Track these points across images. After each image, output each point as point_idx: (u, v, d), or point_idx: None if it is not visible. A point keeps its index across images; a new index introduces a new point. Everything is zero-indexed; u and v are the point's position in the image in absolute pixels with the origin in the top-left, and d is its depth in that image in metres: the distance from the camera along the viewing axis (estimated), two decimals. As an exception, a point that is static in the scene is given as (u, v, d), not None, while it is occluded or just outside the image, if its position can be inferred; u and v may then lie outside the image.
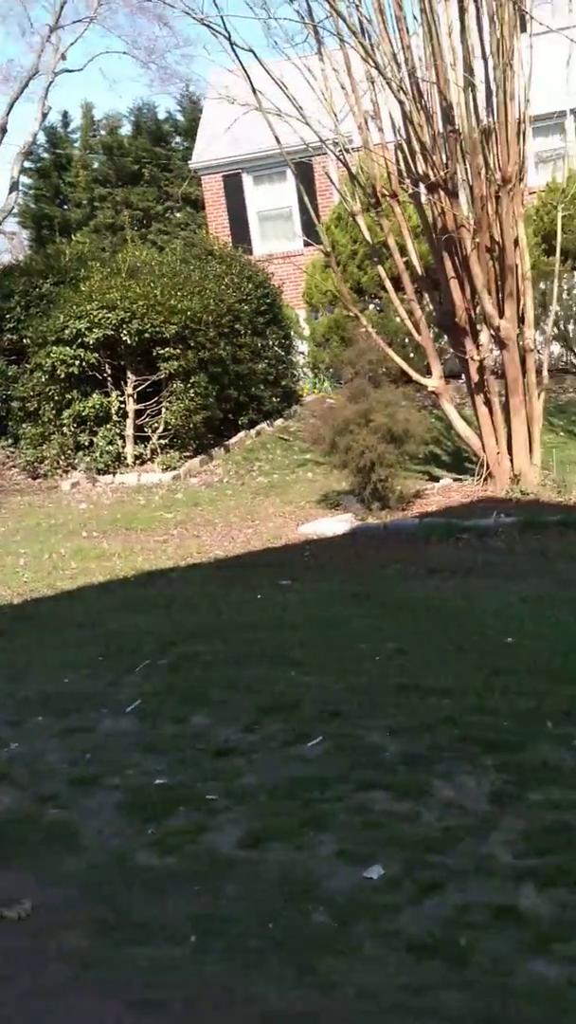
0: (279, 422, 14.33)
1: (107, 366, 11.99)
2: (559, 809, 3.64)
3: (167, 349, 11.62)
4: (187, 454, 12.12)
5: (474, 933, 3.03)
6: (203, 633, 6.01)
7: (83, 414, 11.83)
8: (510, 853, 3.42)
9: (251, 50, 8.75)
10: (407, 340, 13.50)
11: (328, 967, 2.95)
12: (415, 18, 8.69)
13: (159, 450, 12.14)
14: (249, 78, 8.70)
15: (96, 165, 30.03)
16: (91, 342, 11.55)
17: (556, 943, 2.96)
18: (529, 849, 3.42)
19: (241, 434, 13.30)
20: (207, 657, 5.60)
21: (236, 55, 8.65)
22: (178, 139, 30.12)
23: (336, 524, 8.46)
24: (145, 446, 12.18)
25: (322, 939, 3.07)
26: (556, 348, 14.41)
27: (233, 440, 13.03)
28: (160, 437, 12.12)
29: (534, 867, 3.31)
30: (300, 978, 2.91)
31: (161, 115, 30.73)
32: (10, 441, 13.01)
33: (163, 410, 11.97)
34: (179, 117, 30.56)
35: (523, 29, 8.74)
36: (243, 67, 8.63)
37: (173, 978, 2.99)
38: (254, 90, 8.79)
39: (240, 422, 13.59)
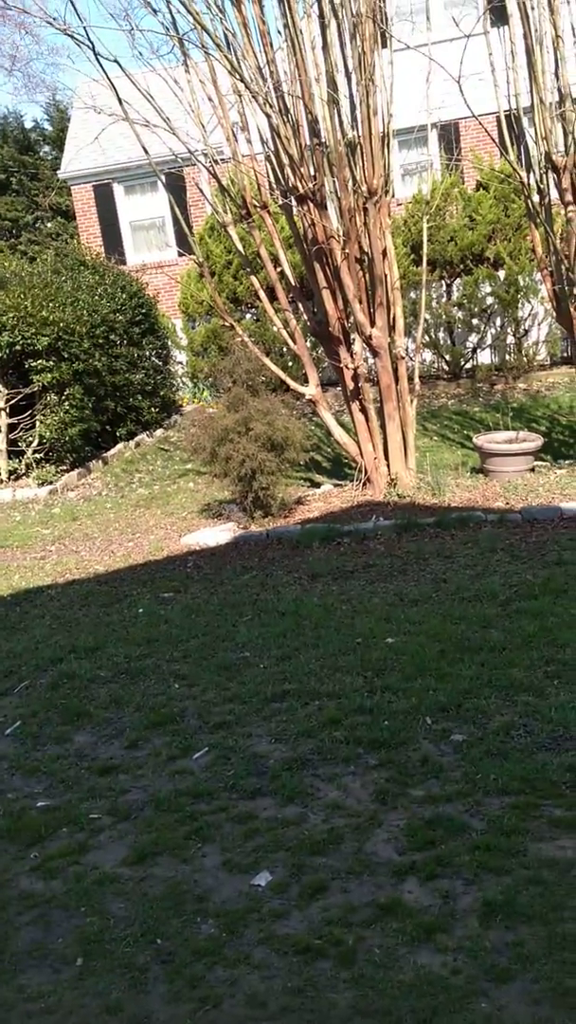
0: (159, 432, 14.23)
1: (-23, 380, 11.67)
2: (439, 802, 3.75)
3: (40, 361, 11.39)
4: (64, 468, 11.90)
5: (361, 931, 3.09)
6: (84, 650, 5.91)
7: (-46, 430, 11.47)
8: (393, 849, 3.50)
9: (116, 60, 8.67)
10: (284, 349, 13.64)
11: (217, 978, 2.95)
12: (279, 33, 8.80)
13: (34, 464, 11.87)
14: (115, 89, 8.62)
15: (-40, 174, 29.14)
16: (-40, 355, 11.22)
17: (439, 933, 3.04)
18: (412, 844, 3.51)
19: (120, 446, 13.14)
20: (89, 675, 5.52)
21: (101, 65, 8.56)
22: (46, 148, 29.56)
23: (219, 534, 8.46)
24: (20, 461, 11.90)
25: (211, 950, 3.07)
26: (428, 355, 14.82)
27: (112, 452, 12.86)
28: (35, 451, 11.85)
29: (417, 861, 3.40)
30: (189, 991, 2.90)
31: (28, 124, 30.17)
32: None
33: (37, 423, 11.72)
34: (47, 126, 30.03)
35: (384, 45, 8.97)
36: (108, 78, 8.54)
37: (59, 1003, 2.93)
38: (120, 101, 8.71)
39: (119, 433, 13.43)
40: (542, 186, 8.71)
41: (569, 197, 8.46)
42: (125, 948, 3.13)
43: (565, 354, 14.43)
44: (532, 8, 8.19)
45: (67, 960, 3.12)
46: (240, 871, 3.46)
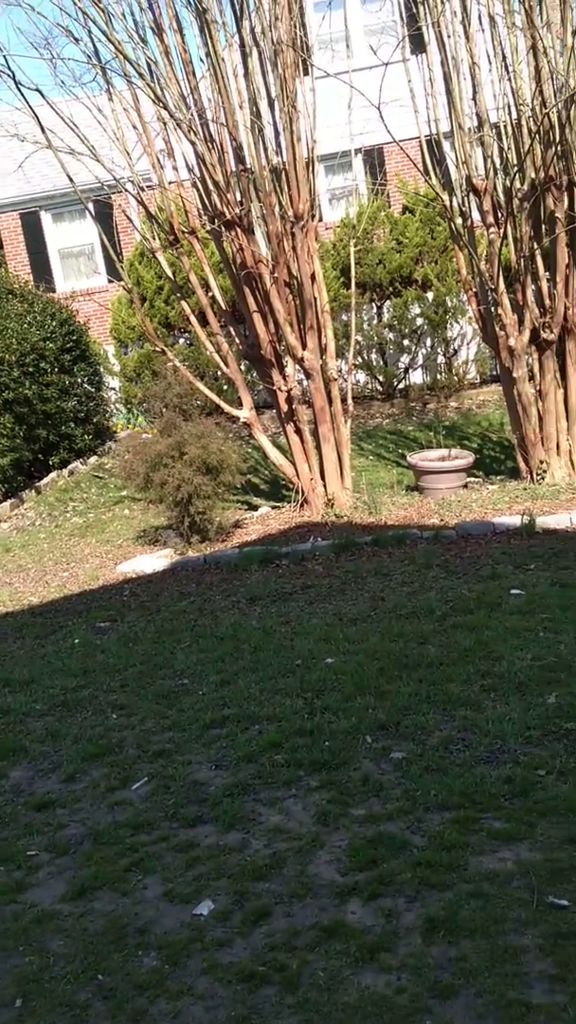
0: (93, 460, 14.09)
1: None
2: (381, 821, 3.75)
3: (-31, 391, 11.25)
4: (-4, 499, 11.73)
5: (305, 955, 3.07)
6: (19, 683, 5.80)
7: None
8: (336, 870, 3.49)
9: (38, 89, 8.67)
10: (219, 373, 13.65)
11: (160, 1011, 2.90)
12: (202, 61, 8.88)
13: (-33, 496, 11.68)
14: (37, 117, 8.60)
15: None
16: None
17: (383, 953, 3.04)
18: (354, 864, 3.50)
19: (53, 474, 12.98)
20: (24, 708, 5.41)
21: (22, 94, 8.56)
22: (-28, 176, 29.35)
23: (156, 560, 8.39)
24: (-48, 493, 11.69)
25: (153, 983, 3.02)
26: (362, 376, 14.98)
27: (45, 481, 12.69)
28: (-33, 483, 11.66)
29: (359, 881, 3.40)
30: (131, 1027, 2.84)
31: (-47, 152, 29.87)
32: None
33: (-31, 455, 11.53)
34: (-28, 154, 29.83)
35: (306, 72, 9.10)
36: (30, 106, 8.53)
37: (-4, 1049, 2.85)
38: (43, 129, 8.70)
39: (52, 462, 13.27)
40: (464, 209, 8.90)
41: (490, 219, 8.66)
42: (66, 986, 3.06)
43: (494, 372, 14.70)
44: (448, 36, 8.40)
45: (5, 1002, 3.03)
46: (182, 901, 3.42)
